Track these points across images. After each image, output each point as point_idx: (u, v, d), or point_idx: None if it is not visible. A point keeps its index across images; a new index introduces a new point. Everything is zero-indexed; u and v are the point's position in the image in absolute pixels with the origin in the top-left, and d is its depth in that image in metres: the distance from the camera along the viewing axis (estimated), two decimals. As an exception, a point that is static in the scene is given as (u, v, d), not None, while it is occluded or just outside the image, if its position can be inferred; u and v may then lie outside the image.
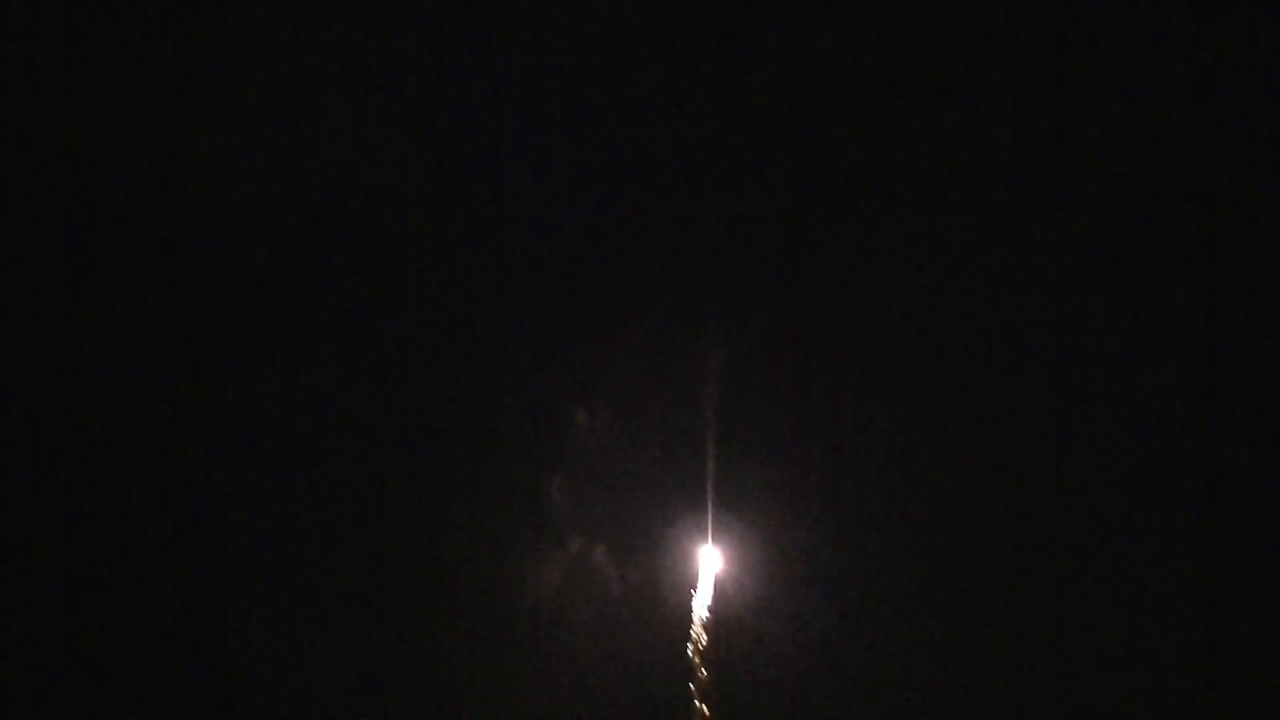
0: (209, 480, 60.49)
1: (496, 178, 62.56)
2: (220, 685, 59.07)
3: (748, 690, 60.11)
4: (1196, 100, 60.39)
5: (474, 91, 62.31)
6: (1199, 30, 59.79)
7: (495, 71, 62.35)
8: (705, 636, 59.14)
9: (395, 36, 62.00)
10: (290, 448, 60.99)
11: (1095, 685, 60.41)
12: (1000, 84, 60.69)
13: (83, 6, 60.21)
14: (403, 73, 61.74)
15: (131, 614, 59.16)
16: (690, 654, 59.52)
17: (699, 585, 59.37)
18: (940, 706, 61.21)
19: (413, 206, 62.07)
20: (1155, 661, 60.02)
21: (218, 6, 61.77)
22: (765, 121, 61.53)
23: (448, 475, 61.44)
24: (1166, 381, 60.69)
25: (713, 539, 58.79)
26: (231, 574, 60.26)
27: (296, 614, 60.24)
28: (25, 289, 60.30)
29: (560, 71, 62.09)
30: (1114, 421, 60.49)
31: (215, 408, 61.05)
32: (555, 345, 61.67)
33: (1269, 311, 59.55)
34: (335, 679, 60.00)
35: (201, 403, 61.11)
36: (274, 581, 60.39)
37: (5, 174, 60.31)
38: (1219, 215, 60.65)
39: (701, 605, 59.22)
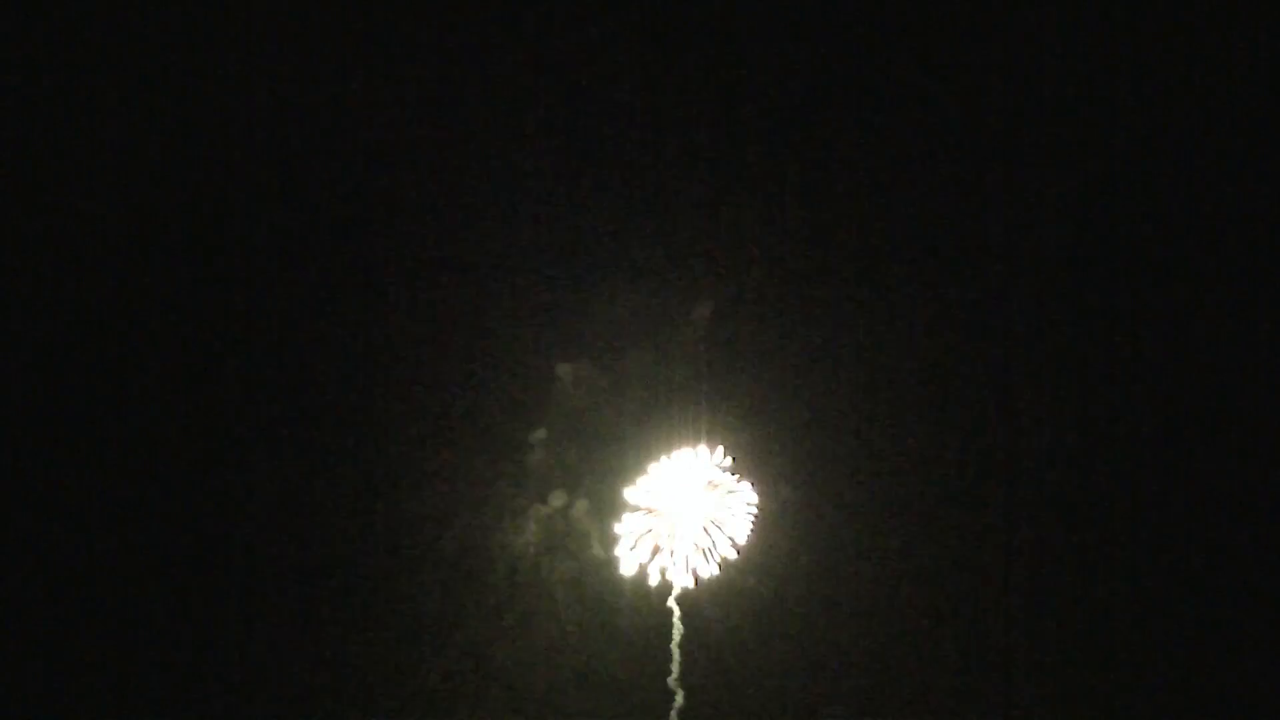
0: (187, 429, 60.60)
1: (486, 140, 62.51)
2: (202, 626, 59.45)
3: (727, 642, 59.84)
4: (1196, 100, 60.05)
5: (461, 54, 62.23)
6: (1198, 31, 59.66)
7: (480, 38, 62.26)
8: (682, 589, 59.22)
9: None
10: (277, 400, 61.19)
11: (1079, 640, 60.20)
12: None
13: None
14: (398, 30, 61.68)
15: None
16: (670, 606, 59.84)
17: (679, 520, 59.16)
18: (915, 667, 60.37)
19: (399, 168, 62.38)
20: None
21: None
22: (752, 92, 61.40)
23: (432, 429, 61.45)
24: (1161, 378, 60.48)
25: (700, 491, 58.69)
26: (204, 528, 60.47)
27: (280, 562, 60.41)
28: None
29: (544, 38, 62.27)
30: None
31: (194, 359, 61.09)
32: (541, 300, 61.86)
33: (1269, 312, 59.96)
34: (314, 627, 60.05)
35: (177, 358, 61.05)
36: (258, 533, 60.63)
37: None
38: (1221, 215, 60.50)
39: (684, 559, 58.92)
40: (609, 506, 59.95)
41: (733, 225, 62.61)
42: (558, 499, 61.28)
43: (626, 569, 58.74)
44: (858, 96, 61.77)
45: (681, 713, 60.12)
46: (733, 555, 59.10)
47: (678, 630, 59.50)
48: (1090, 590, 60.91)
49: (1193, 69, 60.33)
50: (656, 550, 58.79)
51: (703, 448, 58.81)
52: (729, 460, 59.60)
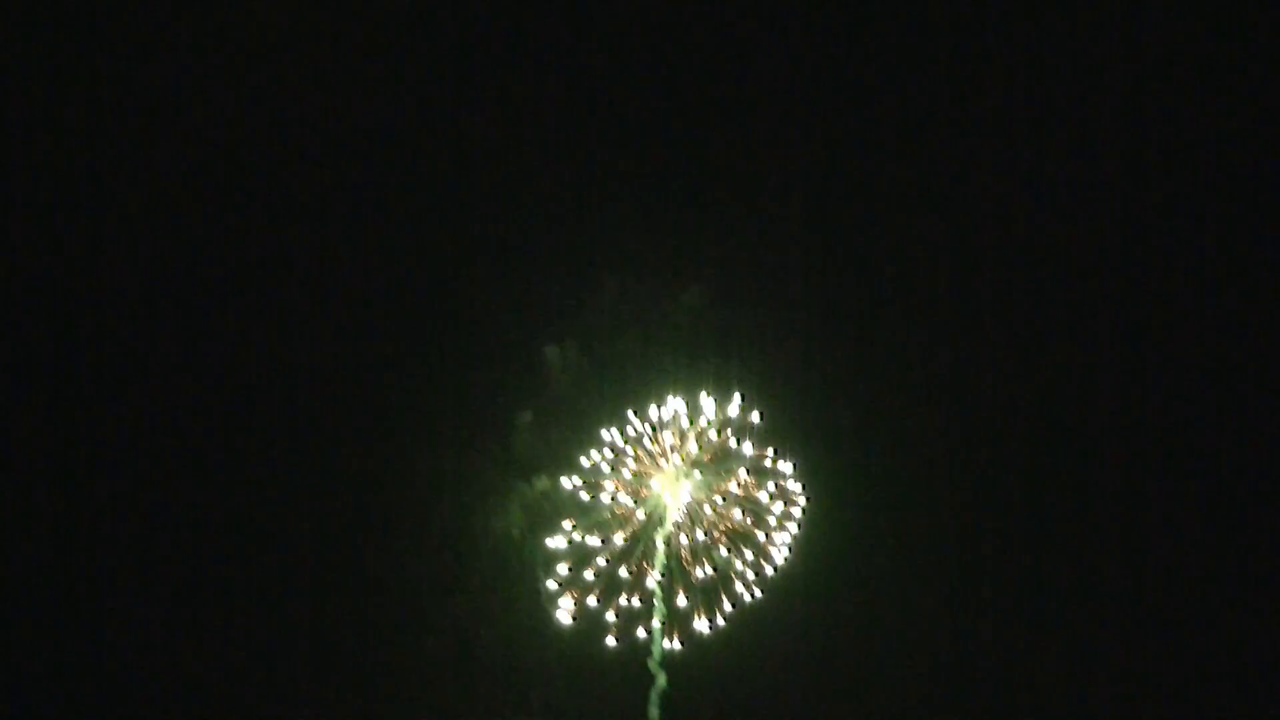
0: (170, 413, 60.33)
1: (477, 126, 61.52)
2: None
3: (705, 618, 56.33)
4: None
5: (454, 43, 61.82)
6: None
7: (474, 29, 61.69)
8: (666, 565, 56.40)
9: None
10: (265, 383, 60.42)
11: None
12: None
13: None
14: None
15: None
16: (654, 583, 57.03)
17: (666, 519, 55.73)
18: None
19: (389, 153, 61.40)
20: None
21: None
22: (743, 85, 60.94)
23: (419, 412, 60.50)
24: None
25: (683, 471, 54.58)
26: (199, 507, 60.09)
27: (267, 542, 59.69)
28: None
29: (537, 30, 61.59)
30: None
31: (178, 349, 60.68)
32: (530, 283, 60.56)
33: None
34: (301, 607, 59.24)
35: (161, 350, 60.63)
36: (245, 513, 60.01)
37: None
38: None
39: (665, 537, 55.53)
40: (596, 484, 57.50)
41: (722, 211, 61.62)
42: (544, 481, 59.54)
43: (562, 616, 52.45)
44: (843, 85, 61.38)
45: (662, 693, 58.20)
46: (754, 595, 51.97)
47: (659, 612, 57.04)
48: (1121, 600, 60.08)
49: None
50: (635, 578, 53.02)
51: (708, 400, 51.21)
52: (756, 416, 52.06)
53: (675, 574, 55.37)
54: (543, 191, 61.79)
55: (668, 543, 54.67)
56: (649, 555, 54.79)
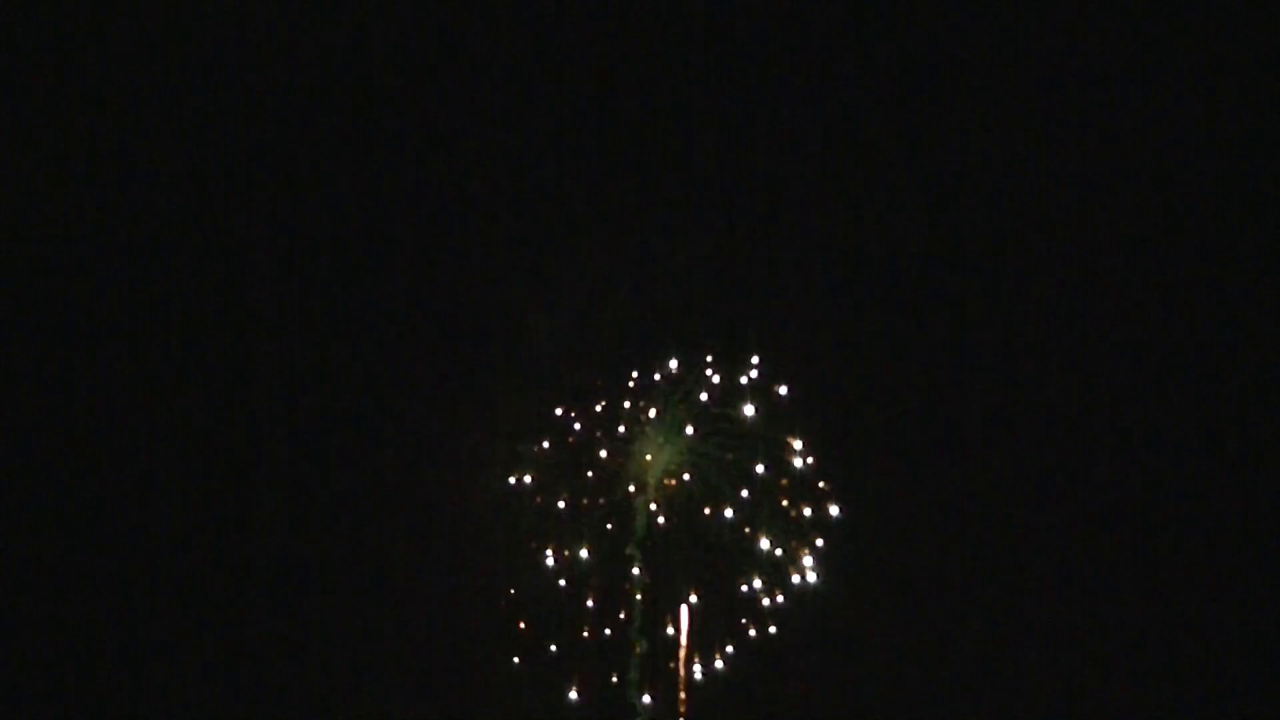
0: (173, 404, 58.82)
1: (462, 86, 59.64)
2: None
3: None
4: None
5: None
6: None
7: None
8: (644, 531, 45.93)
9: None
10: (243, 348, 58.88)
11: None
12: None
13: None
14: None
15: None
16: (630, 551, 45.93)
17: (647, 486, 45.26)
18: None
19: (375, 117, 59.89)
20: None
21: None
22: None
23: (405, 382, 57.56)
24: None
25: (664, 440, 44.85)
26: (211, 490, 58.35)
27: (245, 513, 57.89)
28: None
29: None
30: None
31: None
32: (514, 253, 57.59)
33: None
34: (278, 583, 56.20)
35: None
36: (221, 483, 58.18)
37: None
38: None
39: (646, 504, 44.72)
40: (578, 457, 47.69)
41: (715, 173, 55.45)
42: (529, 452, 50.22)
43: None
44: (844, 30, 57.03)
45: (642, 657, 45.32)
46: (765, 629, 42.50)
47: (636, 650, 45.71)
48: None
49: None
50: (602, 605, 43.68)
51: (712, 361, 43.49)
52: (784, 390, 43.10)
53: (656, 599, 44.76)
54: (530, 150, 58.39)
55: (644, 556, 44.17)
56: (621, 572, 45.05)
